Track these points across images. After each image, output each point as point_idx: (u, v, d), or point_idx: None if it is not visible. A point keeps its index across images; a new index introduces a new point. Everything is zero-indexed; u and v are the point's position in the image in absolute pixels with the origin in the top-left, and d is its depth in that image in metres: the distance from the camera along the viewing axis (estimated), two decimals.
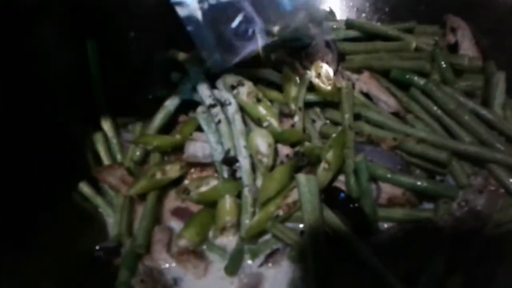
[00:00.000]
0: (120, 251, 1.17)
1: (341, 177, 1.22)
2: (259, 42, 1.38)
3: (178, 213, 1.25)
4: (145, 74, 1.63)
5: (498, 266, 1.00)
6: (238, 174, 1.20)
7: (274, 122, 1.23)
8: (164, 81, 1.56)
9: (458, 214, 1.09)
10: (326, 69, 1.42)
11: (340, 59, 1.54)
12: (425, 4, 1.65)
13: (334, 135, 1.23)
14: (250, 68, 1.48)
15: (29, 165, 1.15)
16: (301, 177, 1.06)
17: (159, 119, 1.34)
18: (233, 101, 1.26)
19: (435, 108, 1.27)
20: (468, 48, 1.43)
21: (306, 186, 1.05)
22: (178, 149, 1.32)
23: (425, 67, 1.34)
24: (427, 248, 1.05)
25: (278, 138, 1.22)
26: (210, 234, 1.18)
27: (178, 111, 1.40)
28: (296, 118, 1.31)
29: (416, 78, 1.33)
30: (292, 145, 1.26)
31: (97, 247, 1.15)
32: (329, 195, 1.13)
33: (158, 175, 1.24)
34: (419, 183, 1.13)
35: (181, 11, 1.19)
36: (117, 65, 1.53)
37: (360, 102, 1.36)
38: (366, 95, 1.39)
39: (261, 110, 1.24)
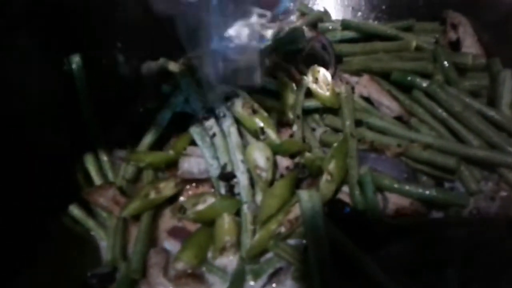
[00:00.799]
0: (115, 276, 1.10)
1: (345, 188, 1.16)
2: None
3: (175, 233, 1.19)
4: (134, 86, 1.57)
5: None
6: (236, 190, 1.13)
7: (272, 134, 1.17)
8: (155, 93, 1.50)
9: (470, 223, 1.03)
10: (324, 73, 1.36)
11: (338, 62, 1.48)
12: (424, 0, 1.58)
13: (335, 144, 1.17)
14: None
15: (17, 189, 1.08)
16: (303, 193, 1.00)
17: (150, 134, 1.28)
18: (227, 113, 1.20)
19: (440, 110, 1.21)
20: (470, 45, 1.36)
21: (308, 202, 0.99)
22: (172, 165, 1.26)
23: (428, 67, 1.28)
24: (439, 261, 0.99)
25: (276, 150, 1.16)
26: (209, 254, 1.12)
27: (172, 125, 1.34)
28: (295, 127, 1.25)
29: (418, 79, 1.27)
30: (292, 155, 1.20)
31: (89, 274, 1.08)
32: (333, 208, 1.07)
33: (152, 194, 1.18)
34: (427, 192, 1.07)
35: None
36: (104, 78, 1.47)
37: (361, 107, 1.30)
38: (367, 99, 1.33)
39: (258, 121, 1.18)
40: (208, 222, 1.13)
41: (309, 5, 1.72)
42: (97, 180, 1.28)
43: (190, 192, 1.24)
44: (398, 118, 1.27)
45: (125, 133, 1.41)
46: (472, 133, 1.16)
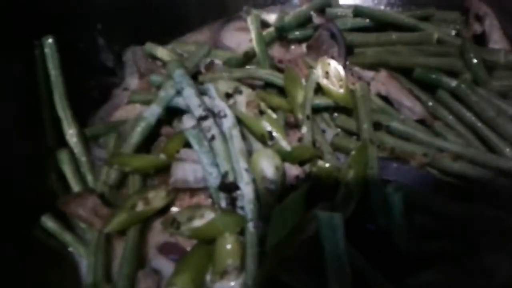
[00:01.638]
0: None
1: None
2: None
3: (166, 249, 1.03)
4: (115, 74, 1.38)
5: None
6: (238, 203, 0.97)
7: (282, 140, 1.01)
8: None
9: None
10: (335, 66, 1.20)
11: (348, 53, 1.32)
12: None
13: (353, 152, 1.02)
14: (244, 68, 1.26)
15: None
16: (322, 215, 0.85)
17: (137, 133, 1.10)
18: (229, 112, 1.03)
19: (468, 114, 1.08)
20: (498, 40, 1.23)
21: (328, 227, 0.84)
22: (162, 170, 1.09)
23: (456, 64, 1.14)
24: None
25: (286, 158, 1.00)
26: (208, 277, 0.96)
27: (160, 121, 1.16)
28: (304, 129, 1.10)
29: (444, 78, 1.12)
30: (301, 162, 1.05)
31: None
32: (352, 229, 0.92)
33: (140, 206, 1.01)
34: (460, 209, 0.93)
35: None
36: (82, 65, 1.29)
37: (378, 108, 1.15)
38: (384, 98, 1.18)
39: (265, 124, 1.01)
40: (206, 240, 0.97)
41: None
42: (73, 184, 1.11)
43: (182, 202, 1.08)
44: (420, 121, 1.12)
45: (105, 128, 1.24)
46: (505, 142, 1.02)
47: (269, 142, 1.01)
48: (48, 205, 1.05)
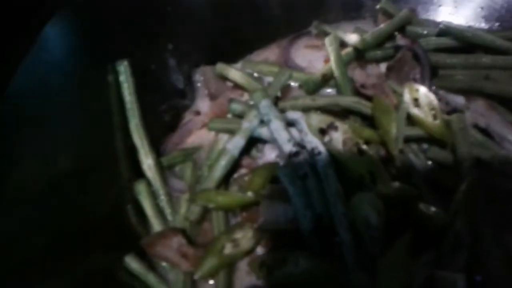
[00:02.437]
0: None
1: None
2: None
3: None
4: (186, 96, 1.33)
5: None
6: (336, 251, 0.91)
7: (384, 182, 0.93)
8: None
9: None
10: (426, 94, 1.12)
11: (432, 75, 1.24)
12: None
13: (458, 195, 0.94)
14: (327, 95, 1.19)
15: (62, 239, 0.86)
16: (445, 276, 0.78)
17: (220, 167, 1.04)
18: (323, 149, 0.96)
19: None
20: None
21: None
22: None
23: None
24: None
25: (386, 201, 0.93)
26: None
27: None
28: (398, 164, 1.02)
29: None
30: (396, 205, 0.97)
31: None
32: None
33: (228, 248, 0.96)
34: None
35: None
36: (153, 88, 1.23)
37: (477, 141, 1.06)
38: (482, 130, 1.09)
39: (365, 164, 0.94)
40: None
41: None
42: (152, 218, 1.07)
43: (269, 242, 1.02)
44: None
45: (182, 156, 1.18)
46: None
47: (369, 185, 0.94)
48: (128, 244, 1.01)
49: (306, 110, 1.10)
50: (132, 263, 0.97)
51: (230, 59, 1.36)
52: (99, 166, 1.04)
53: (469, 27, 1.34)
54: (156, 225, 1.04)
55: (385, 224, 0.90)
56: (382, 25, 1.32)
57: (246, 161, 1.11)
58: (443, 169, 1.07)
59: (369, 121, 1.12)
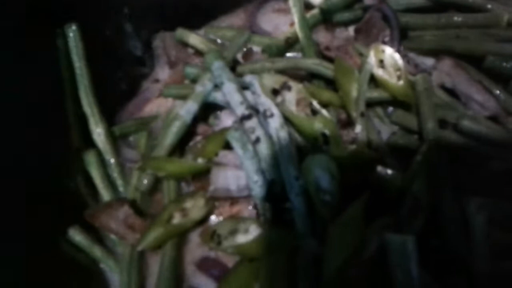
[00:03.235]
0: None
1: None
2: None
3: (206, 265, 0.93)
4: (144, 65, 1.26)
5: None
6: (287, 216, 0.86)
7: (337, 144, 0.88)
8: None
9: None
10: (391, 54, 1.06)
11: (402, 37, 1.17)
12: None
13: (418, 157, 0.88)
14: (288, 58, 1.13)
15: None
16: (394, 239, 0.73)
17: (172, 134, 0.99)
18: (276, 111, 0.91)
19: None
20: None
21: (400, 253, 0.72)
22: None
23: None
24: None
25: (341, 164, 0.87)
26: None
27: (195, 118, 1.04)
28: (358, 128, 0.97)
29: None
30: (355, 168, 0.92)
31: None
32: (421, 249, 0.79)
33: (177, 217, 0.91)
34: None
35: None
36: (107, 54, 1.18)
37: (443, 102, 1.01)
38: (449, 91, 1.03)
39: (318, 126, 0.88)
40: (251, 257, 0.86)
41: None
42: (102, 189, 1.02)
43: (222, 210, 0.97)
44: (492, 118, 0.98)
45: (135, 125, 1.13)
46: None
47: (323, 147, 0.88)
48: (75, 215, 0.95)
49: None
50: (76, 235, 0.93)
51: (193, 26, 1.29)
52: (47, 133, 0.98)
53: None
54: (106, 197, 1.00)
55: (339, 188, 0.85)
56: None
57: (201, 128, 1.06)
58: (407, 132, 1.01)
59: (333, 85, 1.06)
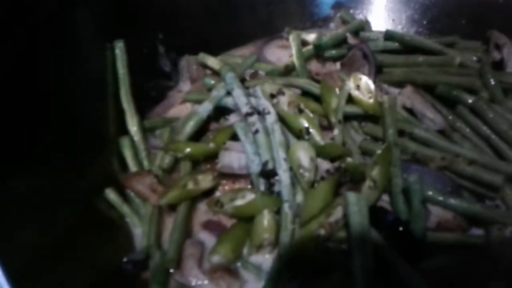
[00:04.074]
0: (148, 264, 1.09)
1: (384, 197, 1.15)
2: None
3: (210, 226, 1.17)
4: (171, 78, 1.58)
5: None
6: (275, 188, 1.12)
7: (317, 135, 1.16)
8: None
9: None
10: (366, 81, 1.35)
11: (378, 72, 1.48)
12: (466, 18, 1.59)
13: (379, 151, 1.16)
14: (286, 78, 1.43)
15: (55, 166, 1.07)
16: (351, 195, 0.99)
17: (190, 126, 1.27)
18: (272, 110, 1.19)
19: (484, 128, 1.21)
20: None
21: (356, 205, 0.98)
22: (210, 158, 1.25)
23: (475, 83, 1.28)
24: (482, 276, 0.98)
25: (319, 152, 1.15)
26: (245, 251, 1.11)
27: (209, 118, 1.33)
28: (336, 131, 1.25)
29: (464, 95, 1.26)
30: (332, 159, 1.19)
31: (125, 259, 1.07)
32: (375, 216, 1.05)
33: (190, 185, 1.16)
34: (473, 207, 1.06)
35: None
36: (143, 68, 1.48)
37: (403, 118, 1.29)
38: (409, 111, 1.32)
39: (303, 121, 1.17)
40: (246, 218, 1.12)
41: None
42: (132, 166, 1.27)
43: (226, 187, 1.23)
44: (441, 132, 1.26)
45: (161, 122, 1.41)
46: None
47: (306, 137, 1.16)
48: (110, 182, 1.22)
49: None
50: (111, 194, 1.18)
51: (212, 53, 1.61)
52: (94, 121, 1.27)
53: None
54: (133, 169, 1.26)
55: (316, 167, 1.12)
56: (339, 30, 1.58)
57: (213, 126, 1.34)
58: (374, 140, 1.29)
59: (319, 101, 1.36)
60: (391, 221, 1.05)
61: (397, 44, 1.51)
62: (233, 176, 1.22)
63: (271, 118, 1.19)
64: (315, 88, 1.34)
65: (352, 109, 1.31)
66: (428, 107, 1.28)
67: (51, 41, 1.13)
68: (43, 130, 1.05)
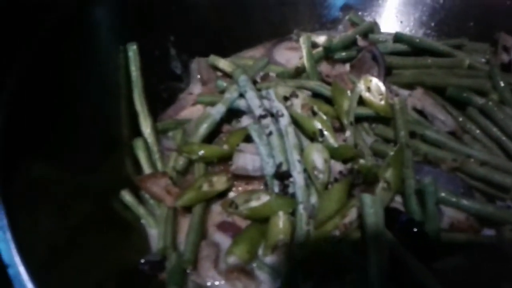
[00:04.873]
0: (165, 265, 1.10)
1: (397, 198, 1.17)
2: None
3: (224, 227, 1.19)
4: (182, 81, 1.59)
5: None
6: (290, 189, 1.14)
7: (330, 137, 1.17)
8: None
9: None
10: (376, 83, 1.37)
11: (387, 74, 1.49)
12: (474, 20, 1.60)
13: (391, 153, 1.17)
14: (297, 80, 1.44)
15: (71, 162, 1.08)
16: (367, 197, 1.00)
17: (204, 127, 1.28)
18: (285, 112, 1.21)
19: (495, 129, 1.23)
20: None
21: (371, 207, 0.99)
22: (223, 160, 1.26)
23: (485, 85, 1.29)
24: (494, 276, 0.99)
25: (332, 154, 1.16)
26: (260, 252, 1.12)
27: (221, 120, 1.34)
28: (348, 133, 1.26)
29: (474, 97, 1.28)
30: (344, 161, 1.21)
31: (142, 260, 1.08)
32: (389, 217, 1.07)
33: (205, 187, 1.18)
34: (486, 208, 1.08)
35: None
36: (155, 70, 1.49)
37: (414, 120, 1.31)
38: (419, 112, 1.34)
39: (316, 123, 1.19)
40: (261, 220, 1.13)
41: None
42: (146, 168, 1.29)
43: (240, 189, 1.24)
44: (452, 134, 1.28)
45: (174, 124, 1.43)
46: None
47: (319, 139, 1.18)
48: (125, 183, 1.23)
49: None
50: (126, 196, 1.20)
51: (222, 54, 1.62)
52: (106, 124, 1.29)
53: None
54: (147, 171, 1.27)
55: (329, 169, 1.13)
56: (349, 32, 1.59)
57: (226, 128, 1.36)
58: (385, 142, 1.31)
59: (330, 103, 1.37)
60: (405, 222, 1.06)
61: (406, 46, 1.52)
62: (247, 178, 1.24)
63: (284, 120, 1.20)
64: (326, 90, 1.35)
65: (363, 111, 1.33)
66: (438, 109, 1.29)
67: (68, 43, 1.15)
68: (59, 128, 1.06)
